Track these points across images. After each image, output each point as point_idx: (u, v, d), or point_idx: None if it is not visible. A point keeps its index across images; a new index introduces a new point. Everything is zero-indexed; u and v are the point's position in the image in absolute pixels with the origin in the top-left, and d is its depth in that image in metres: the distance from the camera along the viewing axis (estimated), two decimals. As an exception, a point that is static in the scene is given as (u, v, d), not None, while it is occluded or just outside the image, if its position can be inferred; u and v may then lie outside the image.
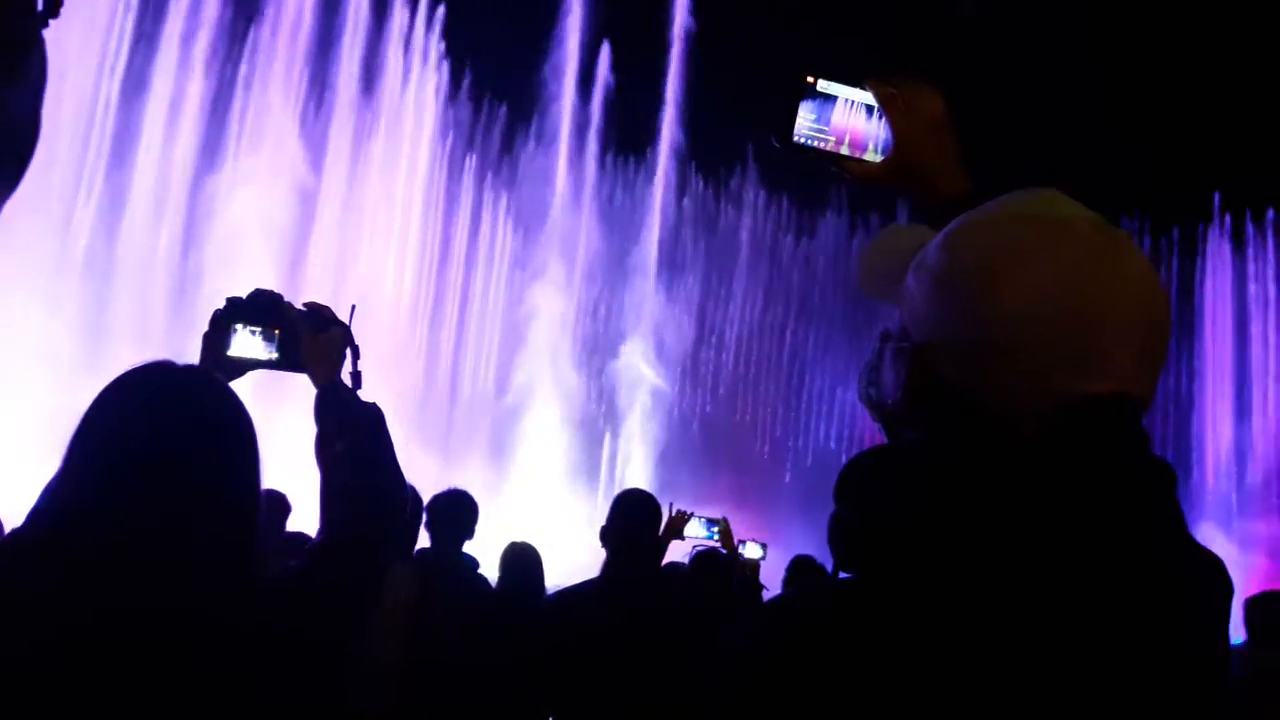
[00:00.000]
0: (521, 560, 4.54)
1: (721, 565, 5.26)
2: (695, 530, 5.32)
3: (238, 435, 1.56)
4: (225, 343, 1.95)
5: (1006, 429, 0.95)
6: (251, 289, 2.01)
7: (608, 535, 3.76)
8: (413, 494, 4.05)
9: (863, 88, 1.33)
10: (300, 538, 3.86)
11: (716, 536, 5.40)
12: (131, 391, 1.53)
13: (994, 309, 0.95)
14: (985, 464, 0.95)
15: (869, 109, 1.33)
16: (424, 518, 4.15)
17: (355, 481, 1.72)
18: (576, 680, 3.57)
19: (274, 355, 1.97)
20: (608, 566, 3.76)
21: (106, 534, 1.42)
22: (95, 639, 1.37)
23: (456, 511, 4.21)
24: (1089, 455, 0.94)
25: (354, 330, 2.00)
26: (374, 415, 1.83)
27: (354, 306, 2.05)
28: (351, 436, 1.78)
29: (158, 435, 1.49)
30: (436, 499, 4.23)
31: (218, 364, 1.91)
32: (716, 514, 5.57)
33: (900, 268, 1.06)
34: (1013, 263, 0.96)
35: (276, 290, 2.04)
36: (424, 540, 4.18)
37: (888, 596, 0.93)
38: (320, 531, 1.70)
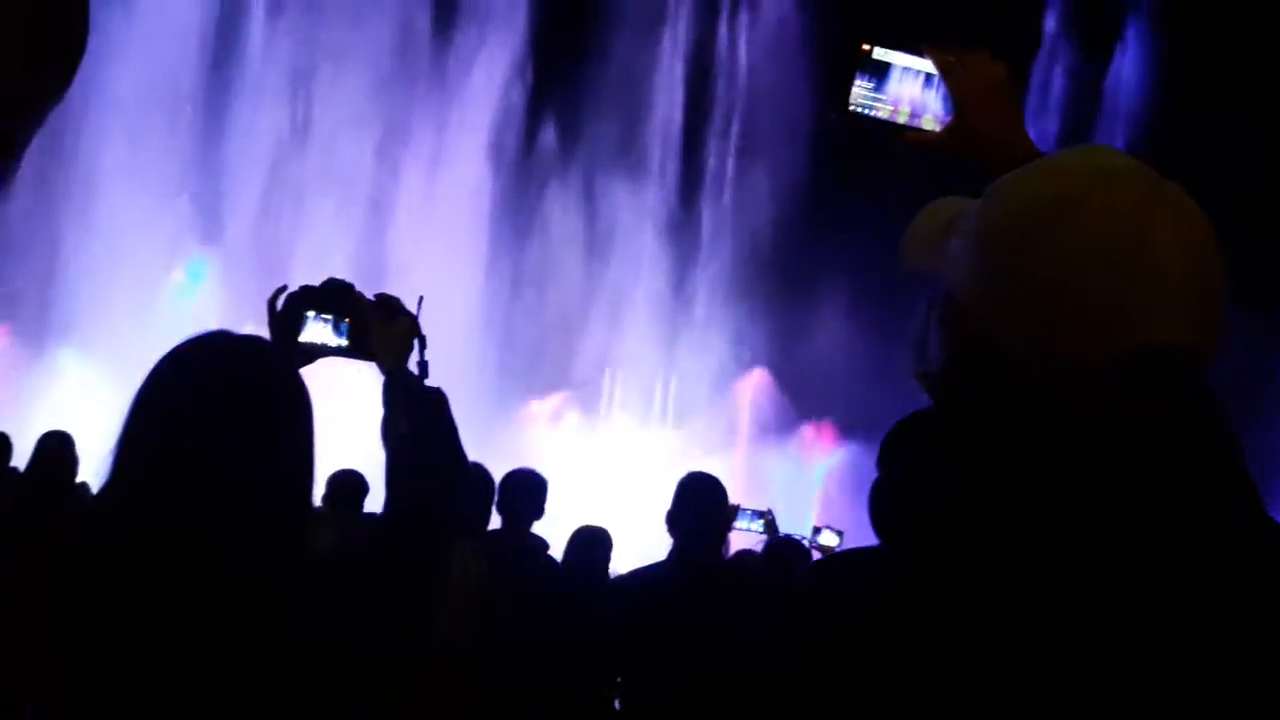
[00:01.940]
0: (588, 543, 4.60)
1: (796, 553, 5.24)
2: (741, 522, 5.37)
3: (289, 404, 1.62)
4: (297, 329, 2.03)
5: (1053, 389, 0.92)
6: (324, 279, 2.10)
7: (674, 520, 3.80)
8: (484, 475, 4.13)
9: (921, 55, 1.32)
10: (375, 518, 3.96)
11: (763, 528, 5.44)
12: (187, 360, 1.60)
13: (1039, 258, 0.92)
14: (1028, 426, 0.92)
15: (928, 77, 1.32)
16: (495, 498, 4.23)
17: (417, 461, 1.78)
18: (641, 664, 3.61)
19: (344, 342, 2.03)
20: (675, 551, 3.79)
21: (154, 508, 1.49)
22: (136, 608, 1.45)
23: (526, 491, 4.26)
24: (1142, 412, 0.91)
25: (421, 321, 2.07)
26: (437, 399, 1.88)
27: (421, 298, 2.11)
28: (415, 419, 1.84)
29: (210, 403, 1.55)
30: (507, 478, 4.30)
31: (289, 350, 1.98)
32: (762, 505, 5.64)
33: (945, 234, 1.04)
34: (1058, 210, 0.93)
35: (348, 280, 2.12)
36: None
37: (916, 568, 0.92)
38: (384, 509, 1.77)
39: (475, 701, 3.72)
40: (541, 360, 18.90)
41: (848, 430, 18.17)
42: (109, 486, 1.56)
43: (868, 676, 0.91)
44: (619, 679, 3.90)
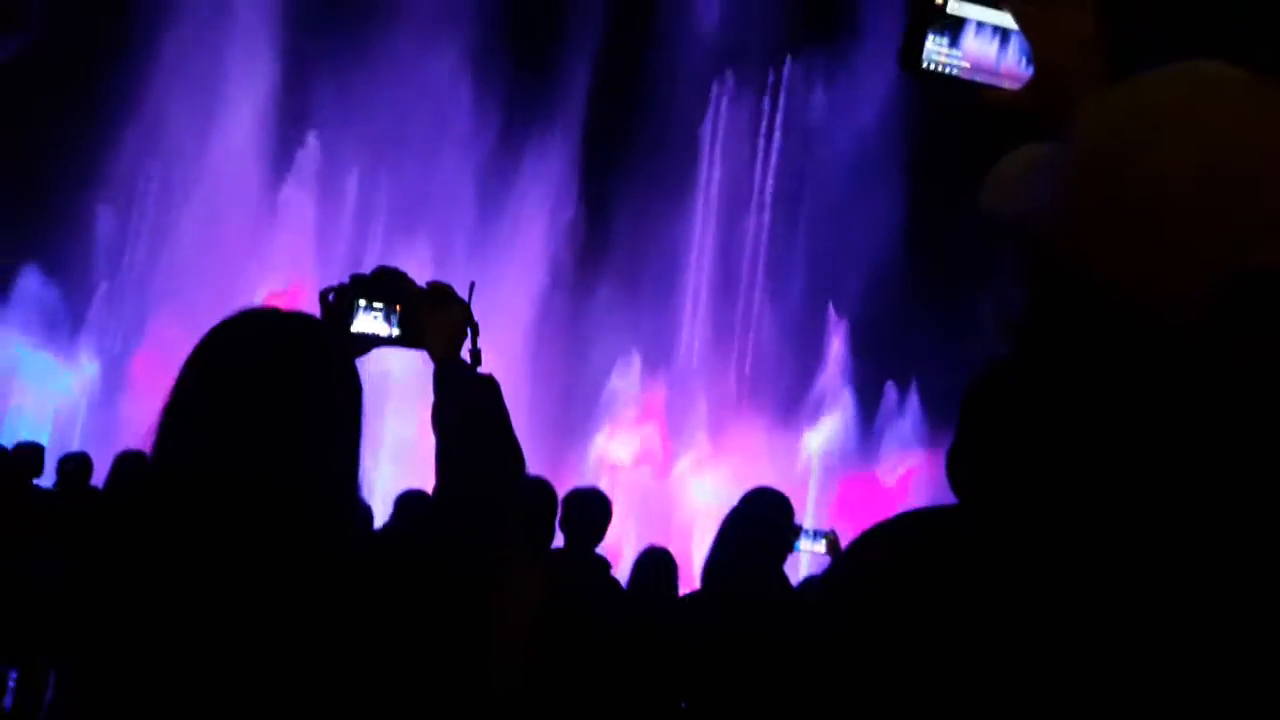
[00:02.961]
0: (654, 566, 4.51)
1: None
2: (804, 543, 5.26)
3: (337, 385, 1.57)
4: (348, 320, 1.99)
5: (1154, 322, 0.82)
6: (375, 267, 2.06)
7: (727, 538, 3.70)
8: (548, 490, 4.06)
9: (999, 8, 1.23)
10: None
11: (825, 548, 5.33)
12: (231, 336, 1.56)
13: (1138, 171, 0.82)
14: (1125, 365, 0.82)
15: (1007, 32, 1.23)
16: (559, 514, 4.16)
17: (467, 448, 1.74)
18: (702, 687, 3.50)
19: (395, 332, 1.99)
20: (731, 569, 3.69)
21: (188, 494, 1.45)
22: (178, 582, 1.41)
23: (589, 511, 4.19)
24: (1257, 345, 0.80)
25: (474, 309, 2.02)
26: (489, 387, 1.84)
27: (473, 284, 2.06)
28: (465, 406, 1.80)
29: (251, 382, 1.51)
30: (569, 497, 4.24)
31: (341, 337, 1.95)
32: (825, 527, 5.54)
33: (1029, 172, 0.95)
34: (1159, 122, 0.83)
35: (400, 269, 2.08)
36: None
37: (999, 526, 0.82)
38: (433, 495, 1.73)
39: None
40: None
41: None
42: (150, 469, 1.52)
43: (933, 644, 0.80)
44: (683, 703, 3.79)
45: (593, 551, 4.16)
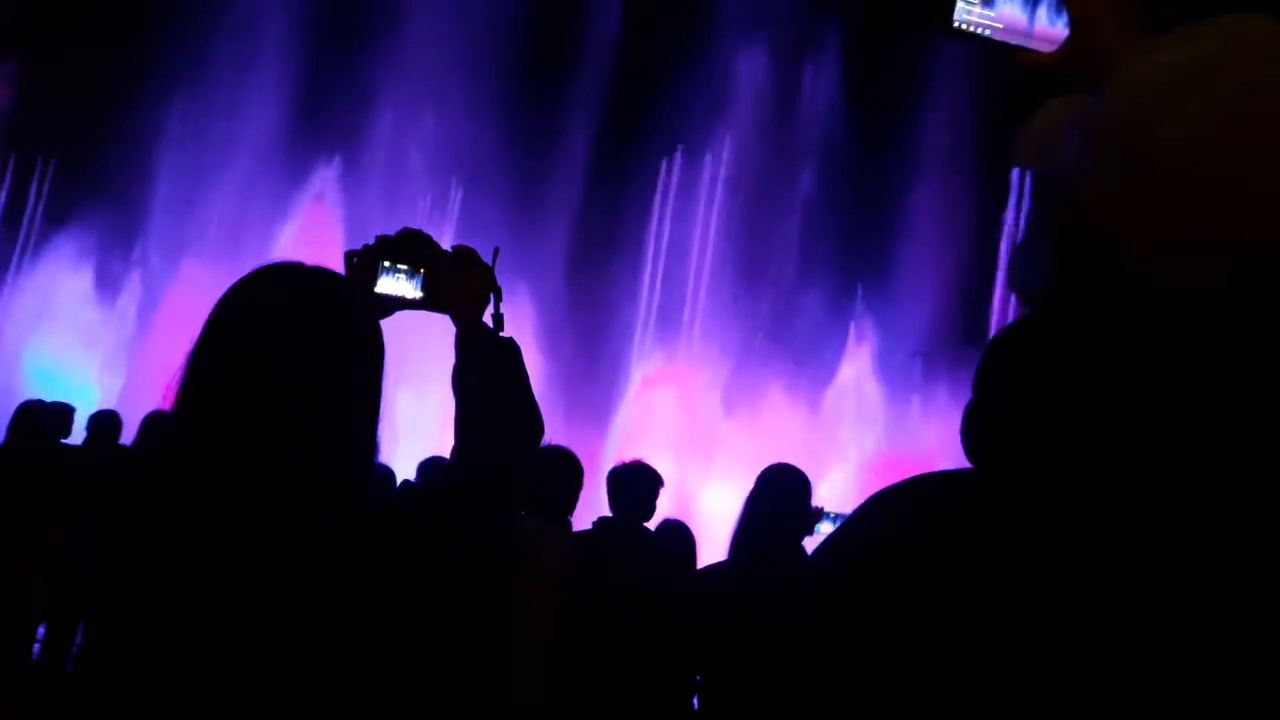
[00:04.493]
0: (672, 538, 4.51)
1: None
2: (824, 526, 5.22)
3: (361, 338, 1.59)
4: (373, 280, 1.99)
5: (1184, 290, 0.80)
6: (400, 228, 2.06)
7: (748, 516, 3.69)
8: (567, 458, 4.04)
9: None
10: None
11: None
12: (258, 288, 1.56)
13: (1173, 133, 0.80)
14: (1151, 334, 0.80)
15: None
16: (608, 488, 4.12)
17: (486, 408, 1.75)
18: (716, 664, 3.50)
19: (418, 294, 2.00)
20: (750, 546, 3.68)
21: (213, 446, 1.46)
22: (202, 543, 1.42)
23: (632, 485, 4.14)
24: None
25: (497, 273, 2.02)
26: (509, 350, 1.85)
27: (497, 249, 2.06)
28: (485, 369, 1.81)
29: (278, 333, 1.52)
30: (613, 471, 4.18)
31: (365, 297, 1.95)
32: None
33: (1064, 127, 0.92)
34: (1193, 81, 0.81)
35: (425, 231, 2.08)
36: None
37: (1012, 493, 0.81)
38: (451, 455, 1.73)
39: (555, 686, 3.65)
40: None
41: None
42: (170, 427, 1.53)
43: (944, 615, 0.79)
44: (698, 677, 3.80)
45: (637, 525, 4.06)
